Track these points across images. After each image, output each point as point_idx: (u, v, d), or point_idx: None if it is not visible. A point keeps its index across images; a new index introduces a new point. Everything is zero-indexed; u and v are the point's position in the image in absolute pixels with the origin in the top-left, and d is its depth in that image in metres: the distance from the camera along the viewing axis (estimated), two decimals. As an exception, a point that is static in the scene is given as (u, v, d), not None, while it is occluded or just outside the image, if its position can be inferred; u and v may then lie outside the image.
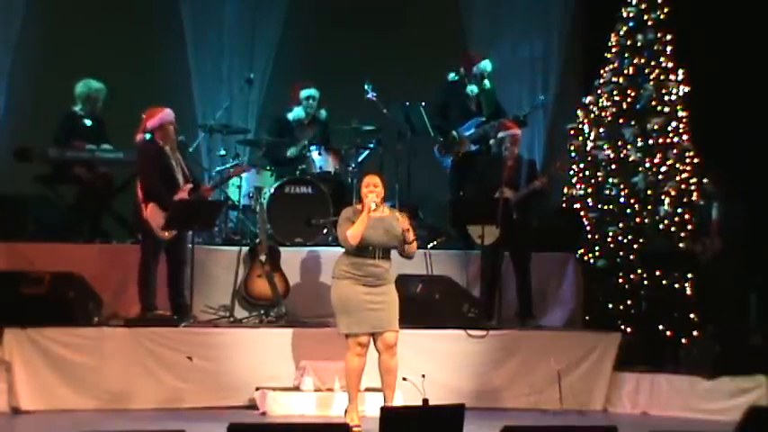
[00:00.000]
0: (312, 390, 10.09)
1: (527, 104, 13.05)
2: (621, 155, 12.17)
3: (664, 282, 11.78)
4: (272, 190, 11.55)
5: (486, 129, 12.05)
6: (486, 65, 12.28)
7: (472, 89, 12.24)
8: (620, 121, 12.24)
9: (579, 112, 12.53)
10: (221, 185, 11.46)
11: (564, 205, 12.45)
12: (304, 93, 12.23)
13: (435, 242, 11.92)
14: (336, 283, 9.29)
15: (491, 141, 11.80)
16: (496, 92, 12.45)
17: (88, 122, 11.77)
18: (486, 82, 12.28)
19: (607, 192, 12.17)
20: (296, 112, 12.24)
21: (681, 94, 12.23)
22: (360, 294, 9.15)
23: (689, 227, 11.91)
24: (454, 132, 12.17)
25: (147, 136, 10.69)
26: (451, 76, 12.35)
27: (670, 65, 12.26)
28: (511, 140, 11.40)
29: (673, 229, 11.92)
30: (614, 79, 12.35)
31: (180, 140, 10.95)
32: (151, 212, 10.42)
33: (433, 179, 12.73)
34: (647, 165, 12.07)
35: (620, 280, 11.91)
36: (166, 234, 10.46)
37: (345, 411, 9.34)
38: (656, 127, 12.12)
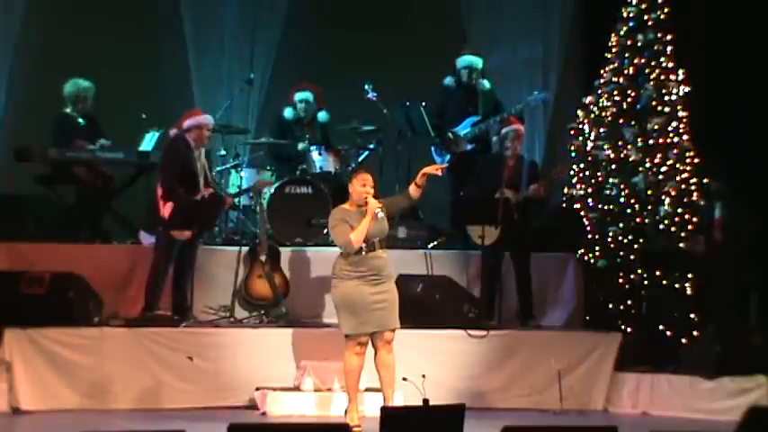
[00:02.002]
0: (312, 390, 10.09)
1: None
2: (622, 155, 12.16)
3: (664, 282, 11.77)
4: (273, 190, 11.55)
5: (482, 127, 12.05)
6: (468, 60, 12.22)
7: (449, 80, 12.23)
8: (621, 121, 12.24)
9: (579, 112, 12.52)
10: (241, 195, 11.49)
11: (564, 205, 12.45)
12: (298, 95, 12.25)
13: (435, 242, 11.92)
14: (339, 284, 9.25)
15: (494, 139, 11.79)
16: (496, 91, 12.42)
17: (82, 122, 11.77)
18: (485, 82, 12.26)
19: (607, 192, 12.17)
20: (287, 112, 12.26)
21: (681, 94, 12.22)
22: (366, 295, 9.12)
23: (689, 227, 11.90)
24: (450, 132, 12.17)
25: (156, 136, 10.75)
26: (447, 81, 12.32)
27: (670, 65, 12.25)
28: (514, 136, 11.40)
29: (673, 229, 11.91)
30: (614, 79, 12.34)
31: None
32: (167, 211, 10.37)
33: (433, 179, 12.68)
34: (648, 165, 12.06)
35: (620, 280, 11.90)
36: (184, 235, 10.42)
37: (345, 411, 9.34)
38: (656, 127, 12.11)
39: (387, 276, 9.22)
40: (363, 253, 9.14)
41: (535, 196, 11.27)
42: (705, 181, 11.96)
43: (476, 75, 12.24)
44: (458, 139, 12.15)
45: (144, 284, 10.55)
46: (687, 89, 12.24)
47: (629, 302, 11.79)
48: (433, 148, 12.30)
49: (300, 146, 11.97)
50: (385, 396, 9.29)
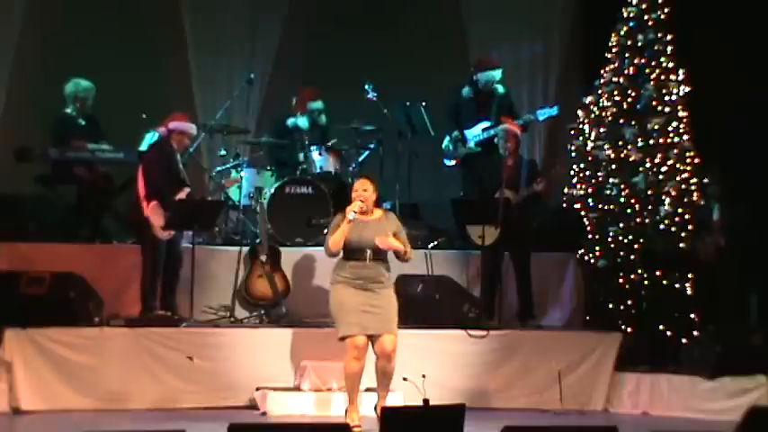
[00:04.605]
0: (312, 390, 10.09)
1: (527, 103, 13.11)
2: (622, 155, 12.15)
3: (664, 282, 11.76)
4: (273, 190, 11.55)
5: (491, 132, 12.00)
6: (492, 75, 12.15)
7: (467, 91, 12.21)
8: (621, 121, 12.22)
9: (579, 112, 12.51)
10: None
11: (564, 205, 12.44)
12: (312, 105, 12.22)
13: (435, 242, 11.92)
14: (332, 289, 9.35)
15: (495, 140, 11.80)
16: (511, 96, 12.37)
17: (82, 122, 11.79)
18: (499, 87, 12.21)
19: (607, 192, 12.16)
20: (301, 122, 12.21)
21: (681, 94, 12.21)
22: (353, 297, 9.17)
23: (689, 227, 11.90)
24: (456, 132, 12.14)
25: (156, 136, 10.83)
26: (465, 91, 12.25)
27: (671, 65, 12.24)
28: (505, 136, 11.40)
29: (673, 229, 11.90)
30: (615, 79, 12.32)
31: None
32: (152, 211, 10.45)
33: (433, 179, 12.73)
34: (648, 165, 12.05)
35: (621, 280, 11.88)
36: (166, 234, 10.51)
37: (345, 411, 9.35)
38: (656, 127, 12.10)
39: (379, 285, 9.23)
40: (354, 259, 9.18)
41: (542, 191, 11.26)
42: (705, 181, 11.95)
43: (494, 84, 12.19)
44: (464, 139, 12.12)
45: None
46: (687, 89, 12.23)
47: (629, 302, 11.78)
48: (446, 158, 12.24)
49: (301, 155, 11.96)
50: (378, 395, 9.33)
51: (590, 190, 12.28)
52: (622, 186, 12.07)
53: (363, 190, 9.24)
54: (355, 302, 9.16)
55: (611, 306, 11.83)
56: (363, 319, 9.15)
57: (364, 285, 9.19)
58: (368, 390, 9.68)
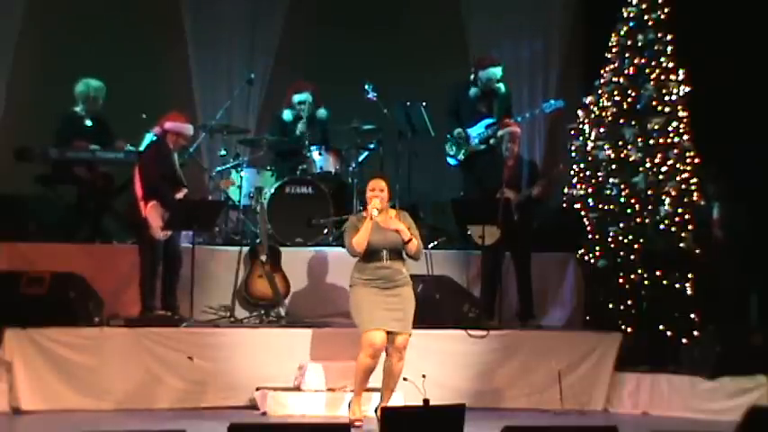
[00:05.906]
0: (312, 390, 10.08)
1: (528, 101, 13.10)
2: (622, 155, 12.15)
3: (664, 282, 11.76)
4: (273, 190, 11.55)
5: (495, 129, 12.01)
6: (493, 72, 12.16)
7: (474, 91, 12.21)
8: (621, 121, 12.22)
9: (579, 112, 12.52)
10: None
11: (564, 205, 12.45)
12: (296, 97, 12.22)
13: (435, 242, 11.92)
14: (351, 291, 9.39)
15: (491, 141, 11.81)
16: (511, 95, 12.39)
17: (89, 123, 11.79)
18: (501, 86, 12.21)
19: (607, 192, 12.16)
20: (286, 115, 12.24)
21: (681, 94, 12.21)
22: (372, 296, 9.23)
23: (689, 227, 11.90)
24: (459, 129, 12.13)
25: (153, 137, 10.84)
26: (472, 92, 12.23)
27: (671, 65, 12.24)
28: (510, 138, 11.44)
29: (673, 229, 11.91)
30: (615, 79, 12.32)
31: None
32: (150, 211, 10.45)
33: (433, 179, 12.73)
34: (648, 165, 12.06)
35: (621, 280, 11.88)
36: (162, 234, 10.50)
37: (349, 404, 9.39)
38: (656, 127, 12.10)
39: (397, 285, 9.27)
40: (372, 260, 9.21)
41: (541, 196, 11.28)
42: (704, 181, 11.96)
43: (495, 81, 12.19)
44: (468, 137, 12.11)
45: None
46: (687, 89, 12.23)
47: (629, 302, 11.78)
48: (448, 156, 12.22)
49: (300, 128, 11.94)
50: (382, 396, 9.35)
51: (590, 190, 12.29)
52: (622, 186, 12.07)
53: (379, 189, 9.30)
54: (374, 300, 9.21)
55: (611, 306, 11.83)
56: (382, 316, 9.19)
57: (383, 285, 9.23)
58: (370, 389, 9.67)
